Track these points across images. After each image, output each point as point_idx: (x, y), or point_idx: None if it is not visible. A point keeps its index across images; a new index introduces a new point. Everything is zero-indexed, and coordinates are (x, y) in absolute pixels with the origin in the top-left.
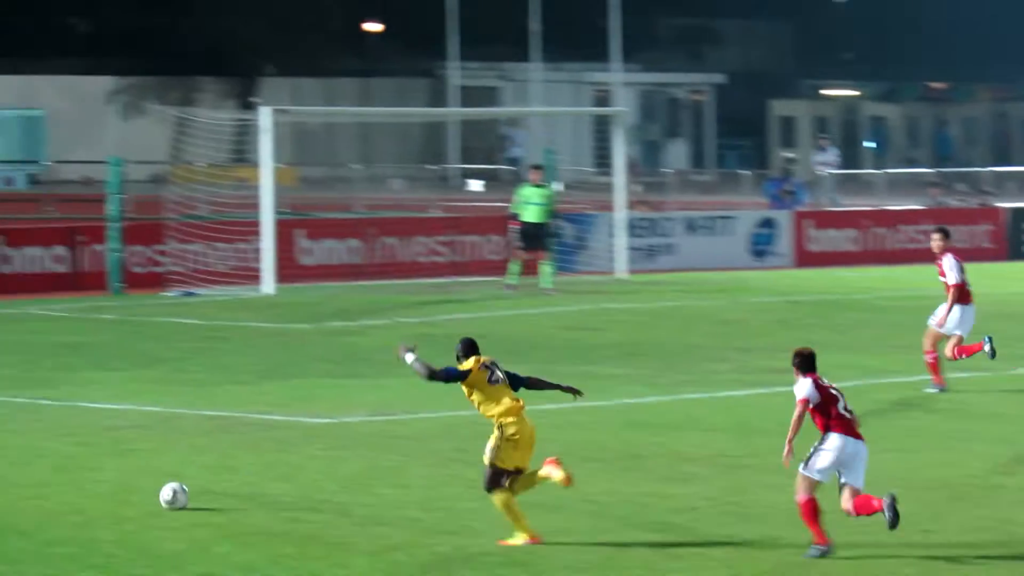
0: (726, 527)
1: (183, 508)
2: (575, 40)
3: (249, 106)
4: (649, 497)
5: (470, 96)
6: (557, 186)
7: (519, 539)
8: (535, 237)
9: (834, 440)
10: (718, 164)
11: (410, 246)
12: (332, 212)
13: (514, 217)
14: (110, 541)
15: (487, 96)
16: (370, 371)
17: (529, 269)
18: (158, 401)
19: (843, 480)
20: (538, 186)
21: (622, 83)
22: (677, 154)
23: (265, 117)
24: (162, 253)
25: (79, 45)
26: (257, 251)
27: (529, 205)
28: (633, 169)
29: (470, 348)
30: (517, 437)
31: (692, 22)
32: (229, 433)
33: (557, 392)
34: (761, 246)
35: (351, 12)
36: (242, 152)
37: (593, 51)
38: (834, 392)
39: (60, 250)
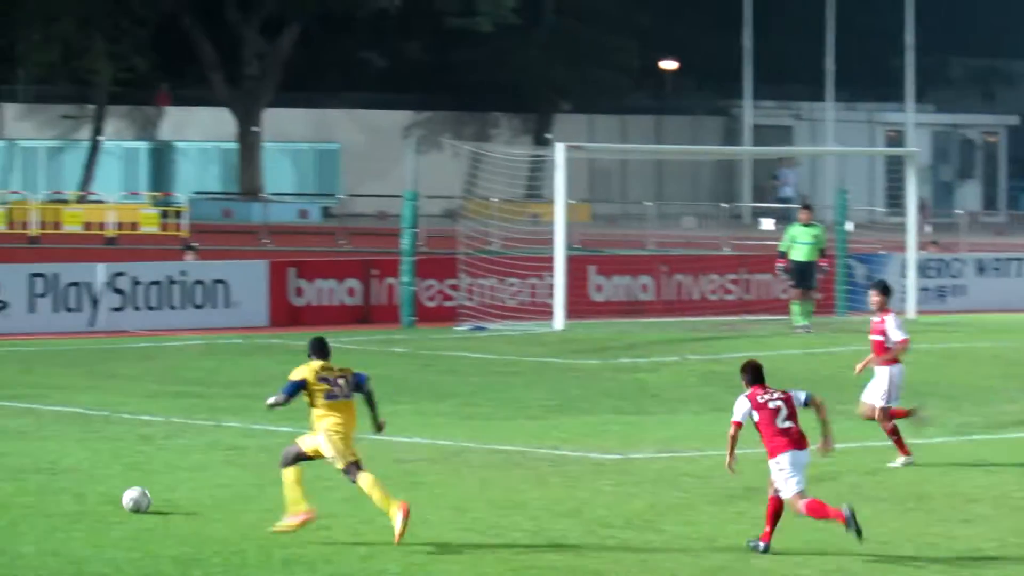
0: (1009, 568)
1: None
2: (868, 80)
3: (543, 142)
4: (936, 538)
5: (763, 135)
6: (848, 226)
7: (293, 519)
8: (804, 275)
9: (784, 459)
10: (1009, 206)
11: (700, 283)
12: (623, 248)
13: (782, 256)
14: (396, 574)
15: (780, 135)
16: (659, 407)
17: (816, 306)
18: (447, 435)
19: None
20: (807, 225)
21: (915, 123)
22: (969, 195)
23: (559, 153)
24: (454, 287)
25: (375, 79)
26: (548, 286)
27: (798, 244)
28: (924, 210)
29: (316, 348)
30: (335, 437)
31: (984, 62)
32: (517, 467)
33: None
34: None
35: (647, 50)
36: (535, 188)
37: (886, 91)
38: (773, 407)
39: (353, 283)
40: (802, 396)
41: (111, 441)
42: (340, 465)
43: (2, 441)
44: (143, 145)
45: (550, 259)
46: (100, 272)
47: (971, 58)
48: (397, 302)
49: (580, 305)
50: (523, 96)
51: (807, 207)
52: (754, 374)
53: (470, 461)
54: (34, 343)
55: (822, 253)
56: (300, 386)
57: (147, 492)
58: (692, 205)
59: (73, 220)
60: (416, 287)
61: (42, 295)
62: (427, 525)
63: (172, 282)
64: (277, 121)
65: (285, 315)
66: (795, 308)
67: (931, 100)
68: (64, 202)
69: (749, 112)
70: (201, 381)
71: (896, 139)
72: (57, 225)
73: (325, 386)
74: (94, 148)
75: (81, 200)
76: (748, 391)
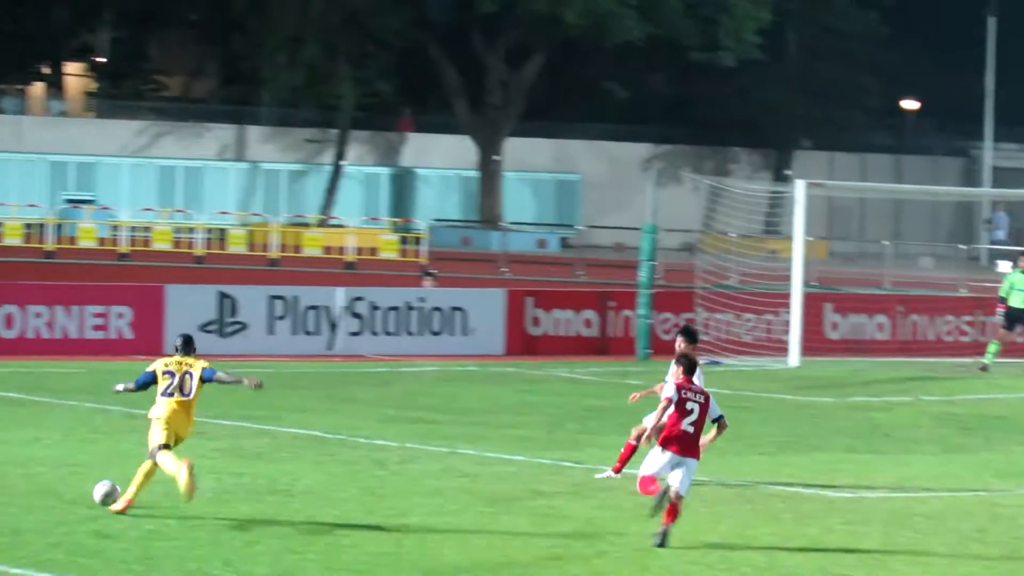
0: None
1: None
2: None
3: (783, 178)
4: None
5: (1003, 177)
6: None
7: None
8: (1020, 321)
9: (663, 454)
10: None
11: (935, 324)
12: (860, 287)
13: (1002, 301)
14: None
15: (1020, 177)
16: (892, 447)
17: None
18: None
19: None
20: None
21: None
22: None
23: (799, 190)
24: (691, 321)
25: (617, 111)
26: (784, 323)
27: (1016, 291)
28: None
29: (184, 344)
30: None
31: None
32: (750, 503)
33: None
34: None
35: (889, 89)
36: (774, 224)
37: None
38: (691, 406)
39: (590, 314)
40: (717, 412)
41: (346, 464)
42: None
43: (240, 461)
44: (384, 170)
45: (786, 295)
46: (339, 296)
47: None
48: (633, 334)
49: (815, 342)
50: (763, 132)
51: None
52: (688, 366)
53: (703, 495)
54: (272, 364)
55: None
56: (150, 377)
57: (117, 486)
58: (930, 245)
59: (313, 244)
60: (652, 320)
61: (281, 317)
62: (659, 558)
63: (410, 308)
64: (518, 150)
65: (521, 344)
66: (991, 347)
67: None
68: (305, 225)
69: (989, 154)
70: (436, 408)
71: None
72: (297, 248)
73: (167, 380)
74: (336, 172)
75: (321, 224)
76: (681, 379)
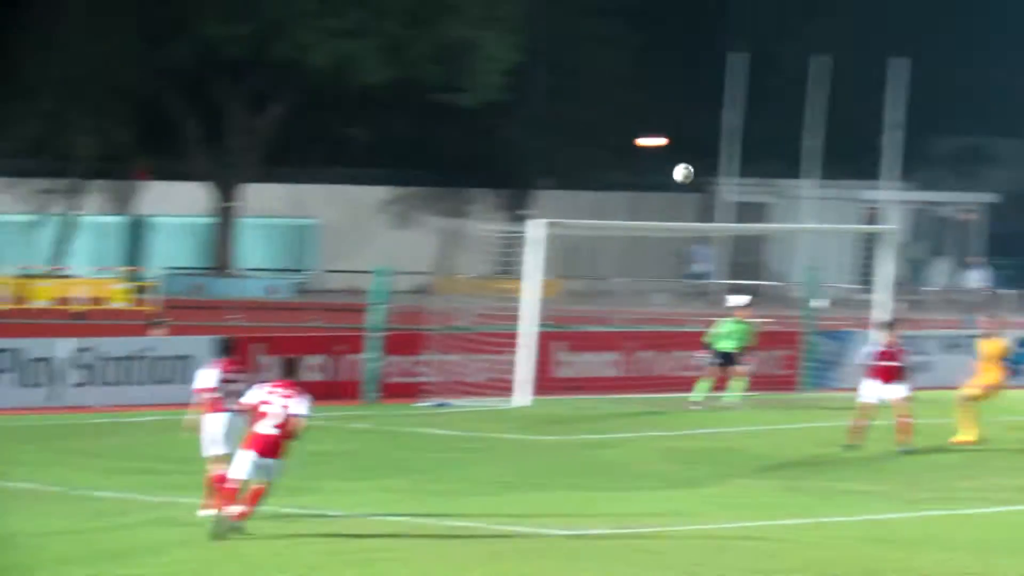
0: None
1: None
2: (851, 158)
3: (519, 218)
4: None
5: (742, 212)
6: (820, 302)
7: None
8: (729, 360)
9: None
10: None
11: (665, 360)
12: (592, 325)
13: (707, 347)
14: None
15: (758, 212)
16: (616, 483)
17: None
18: (404, 509)
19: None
20: (739, 322)
21: (894, 201)
22: (941, 272)
23: (535, 229)
24: (420, 363)
25: (358, 155)
26: (514, 363)
27: (723, 339)
28: (898, 287)
29: None
30: None
31: (968, 141)
32: (468, 543)
33: None
34: (1022, 364)
35: (632, 127)
36: (509, 264)
37: (868, 169)
38: (265, 408)
39: (319, 358)
40: (300, 411)
41: (64, 518)
42: None
43: None
44: (119, 219)
45: (516, 335)
46: (62, 347)
47: (955, 137)
48: (361, 378)
49: (546, 381)
50: (503, 172)
51: (745, 305)
52: (286, 369)
53: (425, 536)
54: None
55: (748, 348)
56: None
57: None
58: (664, 281)
59: (43, 295)
60: (382, 363)
61: (4, 371)
62: None
63: (137, 357)
64: (257, 196)
65: None
66: (700, 385)
67: (913, 179)
68: (34, 277)
69: (725, 189)
70: (158, 457)
71: (872, 216)
72: (23, 300)
73: None
74: (68, 223)
75: (51, 275)
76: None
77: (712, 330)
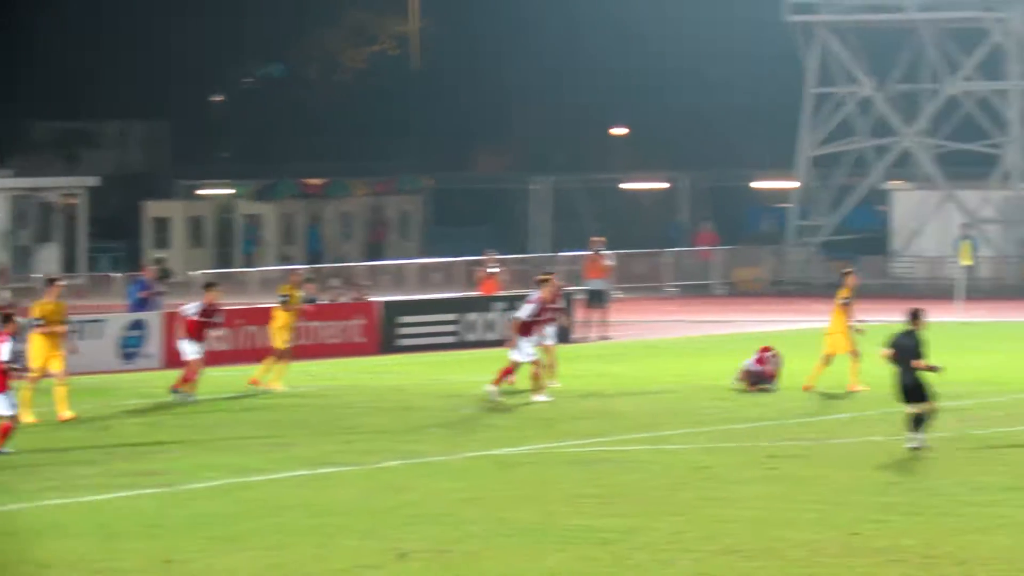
0: None
1: None
2: None
3: None
4: None
5: None
6: None
7: None
8: None
9: None
10: (90, 268)
11: None
12: None
13: None
14: None
15: None
16: None
17: None
18: None
19: None
20: None
21: None
22: (48, 259)
23: None
24: None
25: None
26: None
27: None
28: (2, 275)
29: None
30: None
31: (70, 125)
32: None
33: None
34: (131, 348)
35: None
36: None
37: None
38: None
39: None
40: None
41: None
42: None
43: None
44: None
45: None
46: None
47: (56, 121)
48: None
49: None
50: None
51: None
52: None
53: None
54: None
55: None
56: None
57: None
58: None
59: None
60: None
61: None
62: None
63: None
64: None
65: None
66: None
67: (12, 165)
68: None
69: None
70: None
71: None
72: None
73: None
74: None
75: None
76: None
77: None
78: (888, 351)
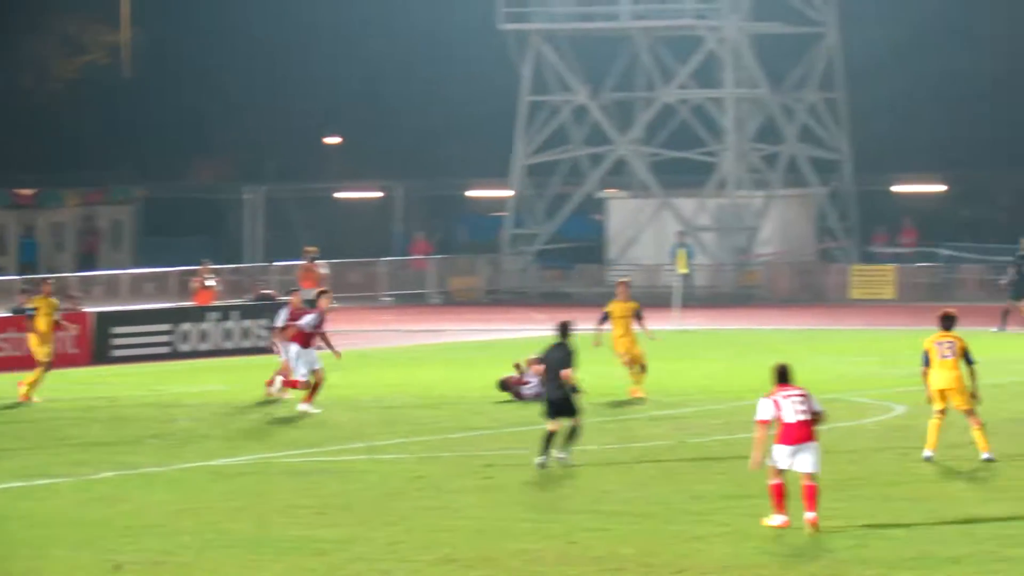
0: None
1: None
2: None
3: None
4: None
5: None
6: None
7: None
8: None
9: None
10: None
11: None
12: None
13: None
14: None
15: None
16: None
17: None
18: None
19: None
20: None
21: None
22: None
23: None
24: None
25: None
26: None
27: None
28: None
29: None
30: None
31: None
32: None
33: None
34: None
35: None
36: None
37: None
38: None
39: None
40: None
41: None
42: None
43: None
44: None
45: None
46: None
47: None
48: None
49: None
50: None
51: None
52: None
53: None
54: None
55: None
56: None
57: None
58: None
59: None
60: None
61: None
62: None
63: None
64: None
65: None
66: None
67: None
68: None
69: None
70: None
71: None
72: None
73: None
74: None
75: None
76: None
77: None
78: (539, 365)
